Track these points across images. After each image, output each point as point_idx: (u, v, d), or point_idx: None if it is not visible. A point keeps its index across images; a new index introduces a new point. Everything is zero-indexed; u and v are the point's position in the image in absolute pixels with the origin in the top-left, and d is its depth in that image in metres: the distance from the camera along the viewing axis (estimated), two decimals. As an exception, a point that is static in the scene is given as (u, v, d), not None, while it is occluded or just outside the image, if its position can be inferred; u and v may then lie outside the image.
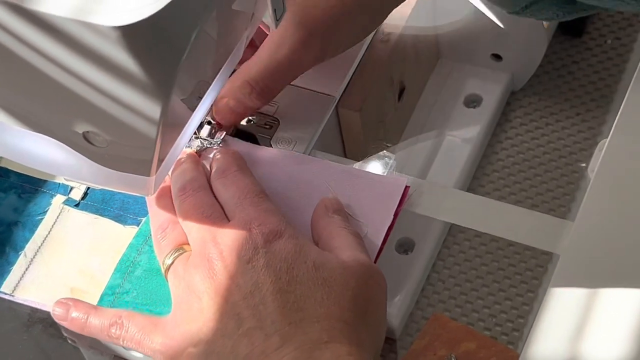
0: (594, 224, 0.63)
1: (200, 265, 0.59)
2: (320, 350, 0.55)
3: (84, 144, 0.55)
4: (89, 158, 0.56)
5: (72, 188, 0.70)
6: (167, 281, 0.62)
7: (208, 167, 0.67)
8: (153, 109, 0.51)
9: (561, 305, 0.60)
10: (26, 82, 0.51)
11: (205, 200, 0.63)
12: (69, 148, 0.56)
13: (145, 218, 0.67)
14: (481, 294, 0.75)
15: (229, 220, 0.61)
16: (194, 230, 0.62)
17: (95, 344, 0.64)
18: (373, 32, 0.76)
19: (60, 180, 0.70)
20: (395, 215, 0.65)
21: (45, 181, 0.71)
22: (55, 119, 0.54)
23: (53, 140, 0.56)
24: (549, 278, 0.73)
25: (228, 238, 0.60)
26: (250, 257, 0.58)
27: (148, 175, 0.56)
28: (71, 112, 0.53)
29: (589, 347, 0.58)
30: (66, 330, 0.64)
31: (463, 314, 0.74)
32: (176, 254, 0.62)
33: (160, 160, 0.56)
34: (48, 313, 0.64)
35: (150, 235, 0.66)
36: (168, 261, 0.62)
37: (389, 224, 0.65)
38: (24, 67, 0.50)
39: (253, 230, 0.60)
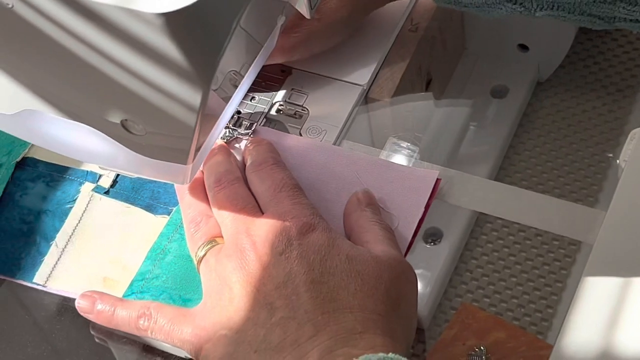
0: (627, 213, 0.63)
1: (233, 255, 0.59)
2: (355, 340, 0.55)
3: (121, 132, 0.55)
4: (125, 146, 0.56)
5: (100, 175, 0.70)
6: (199, 273, 0.62)
7: (238, 157, 0.67)
8: (193, 96, 0.51)
9: (595, 295, 0.60)
10: (67, 70, 0.51)
11: (240, 193, 0.63)
12: (105, 136, 0.56)
13: (176, 207, 0.67)
14: (509, 284, 0.75)
15: (263, 213, 0.62)
16: (228, 222, 0.62)
17: (128, 334, 0.64)
18: (402, 21, 0.76)
19: (88, 167, 0.70)
20: (426, 208, 0.65)
21: (73, 169, 0.70)
22: (93, 107, 0.54)
23: (89, 128, 0.56)
24: (577, 268, 0.73)
25: (262, 230, 0.60)
26: (283, 248, 0.58)
27: (185, 163, 0.56)
28: (111, 100, 0.53)
29: (623, 337, 0.58)
30: (94, 327, 0.64)
31: (491, 304, 0.74)
32: (208, 246, 0.62)
33: (197, 149, 0.56)
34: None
35: (181, 223, 0.66)
36: (200, 253, 0.62)
37: (419, 217, 0.65)
38: (66, 55, 0.50)
39: (287, 222, 0.60)
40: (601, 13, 0.65)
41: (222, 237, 0.62)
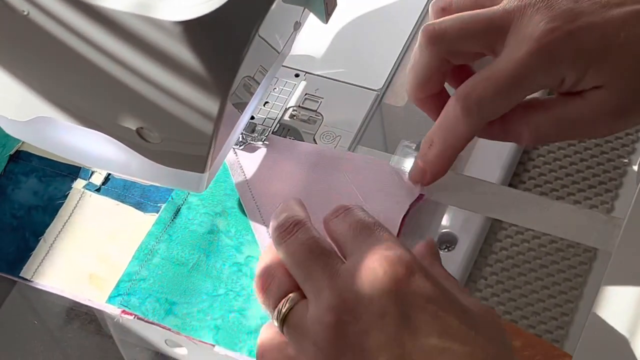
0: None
1: (324, 319, 0.50)
2: None
3: (136, 140, 0.54)
4: (141, 154, 0.55)
5: (92, 172, 0.69)
6: (283, 333, 0.54)
7: (251, 166, 0.66)
8: (211, 105, 0.50)
9: (614, 305, 0.59)
10: (83, 77, 0.51)
11: (313, 239, 0.54)
12: (120, 144, 0.55)
13: (164, 205, 0.67)
14: (524, 292, 0.74)
15: (346, 260, 0.53)
16: (304, 275, 0.53)
17: (140, 342, 0.64)
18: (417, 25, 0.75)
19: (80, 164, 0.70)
20: (402, 221, 0.65)
21: (66, 164, 0.70)
22: (109, 115, 0.53)
23: (103, 135, 0.55)
24: (593, 275, 0.73)
25: (350, 283, 0.51)
26: (382, 308, 0.49)
27: (202, 171, 0.56)
28: (127, 107, 0.52)
29: (643, 347, 0.57)
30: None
31: (506, 311, 0.73)
32: (290, 303, 0.53)
33: (214, 157, 0.55)
34: (88, 308, 0.64)
35: (169, 222, 0.65)
36: (283, 309, 0.53)
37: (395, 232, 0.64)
38: (82, 62, 0.49)
39: (378, 270, 0.50)
40: None
41: (299, 289, 0.54)
